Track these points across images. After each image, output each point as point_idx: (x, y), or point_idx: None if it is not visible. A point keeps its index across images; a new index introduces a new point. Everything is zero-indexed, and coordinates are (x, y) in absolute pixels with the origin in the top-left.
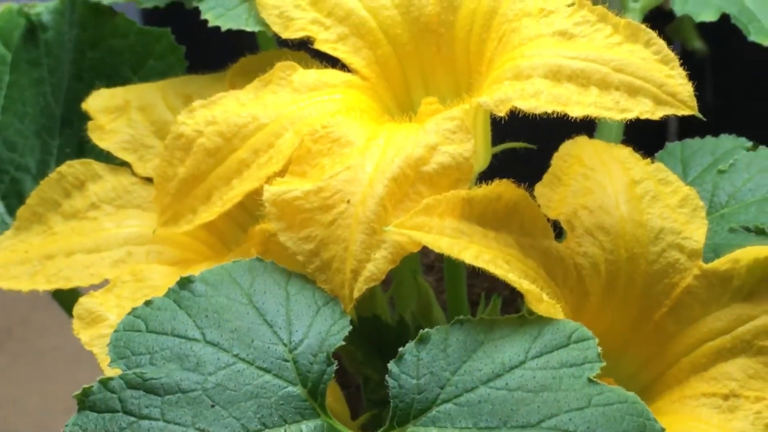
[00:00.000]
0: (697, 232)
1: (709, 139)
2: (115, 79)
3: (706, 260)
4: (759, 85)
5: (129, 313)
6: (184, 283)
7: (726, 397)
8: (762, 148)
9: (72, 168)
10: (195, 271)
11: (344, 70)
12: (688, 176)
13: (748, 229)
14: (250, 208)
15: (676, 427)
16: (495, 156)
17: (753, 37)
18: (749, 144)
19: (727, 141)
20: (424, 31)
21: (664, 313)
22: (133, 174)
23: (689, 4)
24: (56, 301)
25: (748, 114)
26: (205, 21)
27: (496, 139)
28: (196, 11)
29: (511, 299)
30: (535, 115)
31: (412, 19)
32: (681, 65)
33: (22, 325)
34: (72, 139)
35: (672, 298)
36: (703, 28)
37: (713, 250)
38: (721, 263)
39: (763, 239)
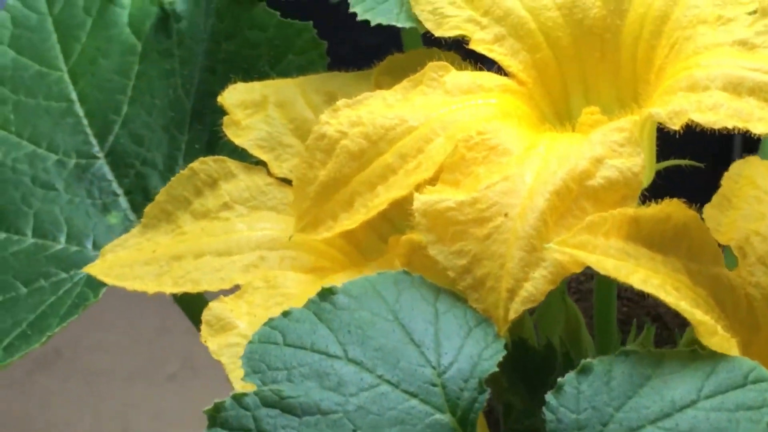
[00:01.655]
0: None
1: None
2: (251, 72)
3: None
4: None
5: (265, 324)
6: (326, 294)
7: None
8: None
9: (205, 165)
10: (332, 280)
11: (500, 73)
12: None
13: None
14: (389, 216)
15: None
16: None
17: None
18: None
19: None
20: (588, 36)
21: None
22: (269, 174)
23: None
24: (179, 306)
25: None
26: (343, 16)
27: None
28: (336, 5)
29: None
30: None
31: (576, 22)
32: None
33: (72, 346)
34: (202, 134)
35: None
36: None
37: None
38: None
39: None
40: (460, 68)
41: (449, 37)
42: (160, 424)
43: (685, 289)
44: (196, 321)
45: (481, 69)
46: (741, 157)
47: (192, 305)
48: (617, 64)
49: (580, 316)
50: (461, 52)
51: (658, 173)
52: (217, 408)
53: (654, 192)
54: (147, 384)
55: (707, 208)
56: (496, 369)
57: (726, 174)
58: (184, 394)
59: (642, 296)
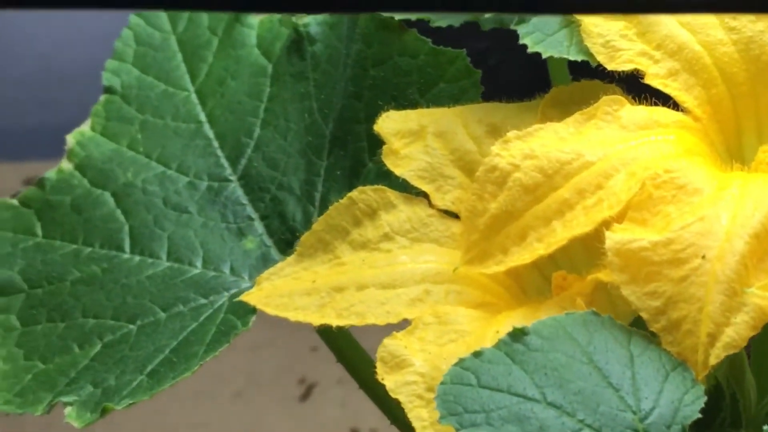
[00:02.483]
0: None
1: None
2: (399, 100)
3: None
4: None
5: (456, 364)
6: (518, 335)
7: None
8: None
9: (364, 194)
10: (505, 317)
11: (674, 108)
12: None
13: None
14: (553, 253)
15: None
16: None
17: None
18: None
19: None
20: (764, 72)
21: None
22: (430, 205)
23: None
24: (321, 337)
25: None
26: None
27: None
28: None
29: None
30: None
31: (752, 58)
32: None
33: None
34: (344, 160)
35: None
36: None
37: None
38: None
39: None
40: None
41: (622, 72)
42: None
43: None
44: (338, 352)
45: (655, 104)
46: None
47: (334, 338)
48: None
49: (744, 357)
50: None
51: None
52: None
53: None
54: (212, 402)
55: None
56: (700, 415)
57: None
58: (249, 413)
59: None
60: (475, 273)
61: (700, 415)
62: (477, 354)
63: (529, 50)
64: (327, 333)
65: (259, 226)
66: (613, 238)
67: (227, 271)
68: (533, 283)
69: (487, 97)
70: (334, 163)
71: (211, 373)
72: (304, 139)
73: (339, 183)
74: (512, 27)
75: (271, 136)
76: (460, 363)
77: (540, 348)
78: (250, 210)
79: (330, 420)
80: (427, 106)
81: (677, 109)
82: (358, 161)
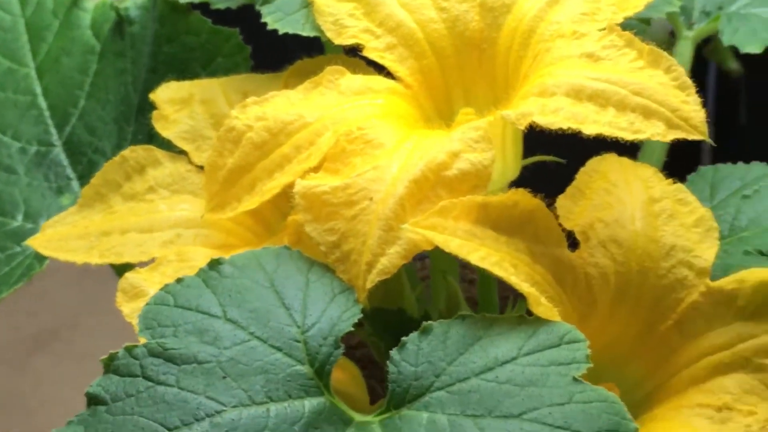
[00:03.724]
0: (707, 252)
1: (740, 165)
2: (185, 73)
3: (717, 280)
4: None
5: (161, 289)
6: (214, 264)
7: (719, 409)
8: None
9: (135, 153)
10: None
11: (390, 78)
12: (714, 199)
13: (761, 253)
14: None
15: None
16: (536, 169)
17: None
18: None
19: (758, 168)
20: (468, 46)
21: (670, 326)
22: (190, 162)
23: (737, 35)
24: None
25: None
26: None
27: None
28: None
29: None
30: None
31: (457, 34)
32: (717, 85)
33: (70, 328)
34: (144, 126)
35: (678, 312)
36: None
37: (725, 270)
38: (727, 282)
39: None
40: (361, 73)
41: (346, 45)
42: None
43: (523, 266)
44: None
45: (377, 74)
46: (710, 162)
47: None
48: (493, 71)
49: (459, 293)
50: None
51: None
52: (111, 357)
53: None
54: None
55: (560, 199)
56: (352, 329)
57: (582, 169)
58: None
59: None
60: (218, 218)
61: (352, 328)
62: (179, 280)
63: (269, 27)
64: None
65: (75, 185)
66: (301, 183)
67: (42, 223)
68: (278, 226)
69: (258, 69)
70: (138, 129)
71: None
72: (118, 108)
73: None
74: (257, 8)
75: (93, 107)
76: (165, 287)
77: (231, 275)
78: (69, 171)
79: None
80: (208, 78)
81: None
82: (153, 127)
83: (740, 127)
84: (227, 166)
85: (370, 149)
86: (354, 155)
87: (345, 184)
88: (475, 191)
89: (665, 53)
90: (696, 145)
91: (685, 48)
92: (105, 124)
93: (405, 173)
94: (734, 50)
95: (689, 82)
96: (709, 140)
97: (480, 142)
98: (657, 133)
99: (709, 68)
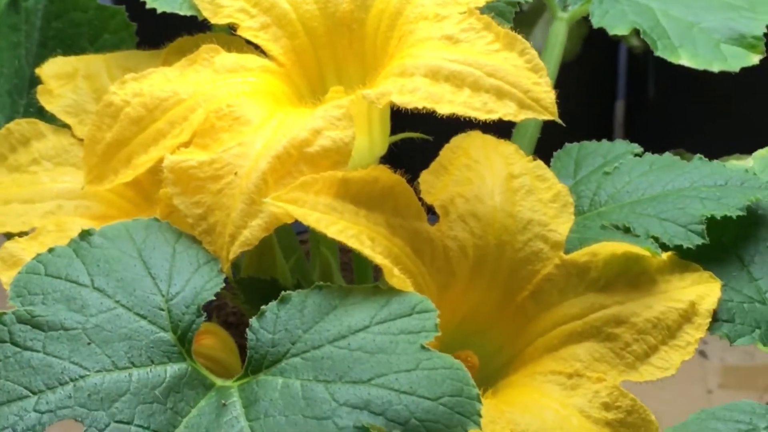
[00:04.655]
0: (562, 226)
1: (604, 143)
2: (74, 48)
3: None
4: (696, 80)
5: (33, 258)
6: (84, 235)
7: (570, 376)
8: (647, 155)
9: (20, 126)
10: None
11: (264, 56)
12: (577, 175)
13: (617, 227)
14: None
15: (522, 398)
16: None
17: (660, 53)
18: (639, 150)
19: (620, 146)
20: (339, 26)
21: (526, 297)
22: (73, 136)
23: (606, 18)
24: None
25: (685, 107)
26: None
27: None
28: None
29: None
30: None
31: (329, 14)
32: (627, 62)
33: None
34: (36, 100)
35: (533, 283)
36: None
37: (583, 244)
38: (580, 255)
39: (629, 237)
40: (241, 51)
41: (221, 24)
42: None
43: (381, 239)
44: None
45: (254, 52)
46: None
47: None
48: (363, 51)
49: (333, 265)
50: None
51: None
52: None
53: None
54: None
55: (423, 174)
56: (213, 298)
57: (446, 145)
58: None
59: None
60: (98, 190)
61: (213, 298)
62: (51, 250)
63: (147, 6)
64: None
65: None
66: (169, 158)
67: None
68: (155, 195)
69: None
70: (30, 102)
71: None
72: (12, 81)
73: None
74: None
75: None
76: (36, 257)
77: (101, 245)
78: None
79: None
80: (95, 53)
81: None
82: None
83: (649, 101)
84: (105, 140)
85: (237, 126)
86: (222, 131)
87: (211, 159)
88: (336, 167)
89: (520, 37)
90: (609, 118)
91: (560, 28)
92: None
93: (268, 149)
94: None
95: (542, 64)
96: (559, 120)
97: (342, 120)
98: (509, 113)
99: (620, 45)
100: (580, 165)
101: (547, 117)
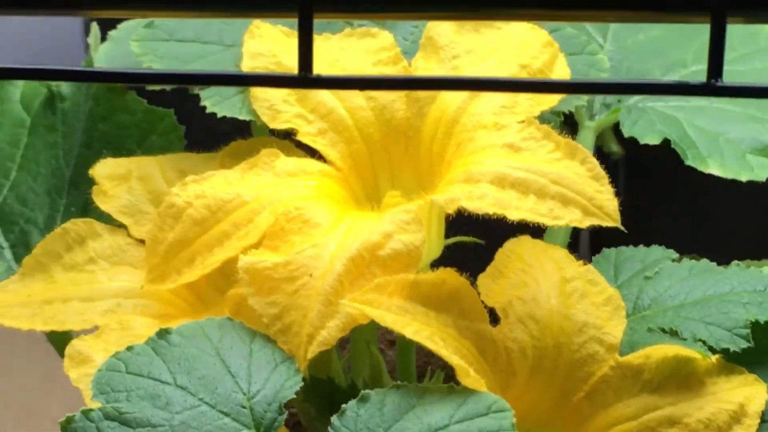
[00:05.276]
0: (616, 329)
1: (641, 248)
2: (120, 150)
3: (624, 355)
4: (670, 188)
5: (112, 356)
6: (162, 333)
7: None
8: (685, 260)
9: (75, 225)
10: (174, 324)
11: (321, 160)
12: (618, 279)
13: (663, 331)
14: (227, 273)
15: None
16: (453, 248)
17: (690, 162)
18: (675, 255)
19: (657, 251)
20: (395, 132)
21: (582, 397)
22: (129, 235)
23: (636, 127)
24: (53, 346)
25: (658, 215)
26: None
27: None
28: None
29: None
30: (493, 217)
31: (384, 121)
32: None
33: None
34: (78, 199)
35: (589, 384)
36: (620, 132)
37: (631, 346)
38: (634, 357)
39: (676, 340)
40: (291, 155)
41: (280, 130)
42: None
43: (451, 340)
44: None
45: (307, 155)
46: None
47: (60, 342)
48: (418, 157)
49: (382, 362)
50: (297, 141)
51: None
52: (69, 420)
53: None
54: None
55: (481, 277)
56: (295, 397)
57: (500, 250)
58: None
59: None
60: (157, 290)
61: (295, 395)
62: (129, 348)
63: (208, 110)
64: (55, 341)
65: (8, 253)
66: (244, 259)
67: None
68: (212, 298)
69: (190, 148)
70: (71, 201)
71: (32, 403)
72: (50, 181)
73: (73, 218)
74: (195, 91)
75: (24, 178)
76: (115, 355)
77: (179, 344)
78: (2, 240)
79: None
80: (142, 155)
81: (324, 161)
82: (87, 200)
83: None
84: (168, 240)
85: (307, 228)
86: (292, 233)
87: (286, 260)
88: (406, 270)
89: (580, 146)
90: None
91: (587, 137)
92: (37, 196)
93: (342, 252)
94: (620, 135)
95: (603, 173)
96: (621, 227)
97: (411, 224)
98: (574, 219)
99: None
100: (619, 269)
101: (611, 224)
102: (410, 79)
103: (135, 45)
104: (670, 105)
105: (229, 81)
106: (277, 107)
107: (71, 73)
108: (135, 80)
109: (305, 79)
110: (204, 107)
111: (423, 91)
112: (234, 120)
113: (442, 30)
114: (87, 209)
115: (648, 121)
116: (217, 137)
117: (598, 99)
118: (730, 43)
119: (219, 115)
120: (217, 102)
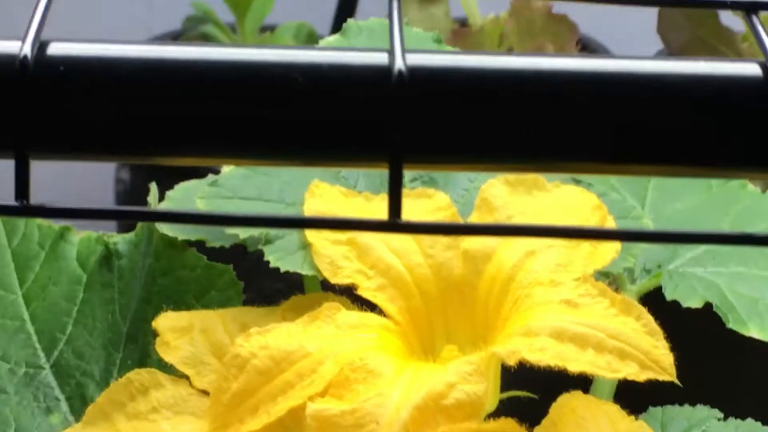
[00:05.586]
0: None
1: (686, 407)
2: (179, 304)
3: None
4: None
5: None
6: None
7: None
8: (730, 420)
9: (139, 375)
10: None
11: (380, 314)
12: None
13: None
14: (285, 422)
15: None
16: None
17: (731, 326)
18: (720, 415)
19: (702, 411)
20: (451, 289)
21: None
22: (191, 386)
23: (677, 291)
24: None
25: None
26: (260, 263)
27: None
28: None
29: None
30: (539, 369)
31: (442, 278)
32: None
33: None
34: (134, 352)
35: None
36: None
37: None
38: None
39: None
40: (347, 309)
41: (341, 284)
42: None
43: None
44: None
45: (364, 309)
46: None
47: None
48: (474, 312)
49: None
50: (351, 295)
51: None
52: None
53: None
54: None
55: (537, 429)
56: None
57: (554, 404)
58: None
59: None
60: None
61: None
62: None
63: (271, 265)
64: None
65: (64, 405)
66: (312, 406)
67: None
68: None
69: (249, 302)
70: (127, 355)
71: None
72: (106, 335)
73: (130, 371)
74: (260, 247)
75: (80, 333)
76: None
77: None
78: (58, 392)
79: None
80: (202, 309)
81: (383, 315)
82: (145, 353)
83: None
84: (232, 390)
85: (372, 378)
86: (357, 383)
87: (352, 408)
88: (469, 419)
89: (636, 303)
90: None
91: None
92: (93, 349)
93: (407, 400)
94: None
95: (658, 328)
96: (677, 381)
97: (473, 375)
98: (632, 372)
99: None
100: (666, 428)
101: (667, 378)
102: (492, 227)
103: (201, 202)
104: (709, 271)
105: (321, 225)
106: (337, 263)
107: (174, 216)
108: (223, 223)
109: (395, 224)
110: (261, 265)
111: (495, 238)
112: (287, 277)
113: (497, 191)
114: (144, 362)
115: (689, 287)
116: (270, 295)
117: (639, 265)
118: None
119: (282, 270)
120: (280, 257)
